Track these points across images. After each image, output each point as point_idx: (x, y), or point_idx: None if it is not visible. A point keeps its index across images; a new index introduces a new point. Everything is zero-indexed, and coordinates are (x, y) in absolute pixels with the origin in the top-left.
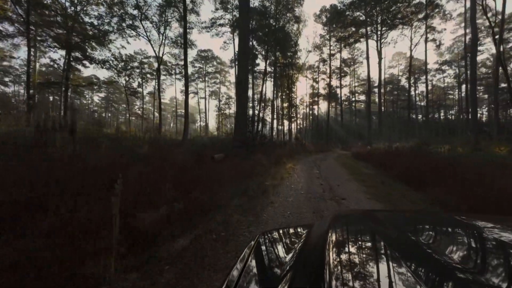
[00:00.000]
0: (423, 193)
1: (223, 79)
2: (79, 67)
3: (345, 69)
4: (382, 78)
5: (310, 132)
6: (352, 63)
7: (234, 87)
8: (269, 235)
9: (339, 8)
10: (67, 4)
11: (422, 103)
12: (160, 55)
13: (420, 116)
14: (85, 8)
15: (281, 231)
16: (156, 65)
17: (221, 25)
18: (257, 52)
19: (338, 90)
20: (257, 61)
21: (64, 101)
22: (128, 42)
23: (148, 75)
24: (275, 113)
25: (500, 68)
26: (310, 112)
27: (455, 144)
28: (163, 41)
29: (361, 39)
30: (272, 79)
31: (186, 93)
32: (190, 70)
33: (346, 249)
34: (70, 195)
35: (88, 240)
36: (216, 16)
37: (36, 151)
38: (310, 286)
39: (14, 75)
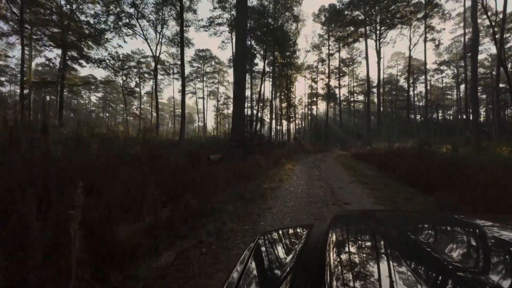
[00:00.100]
0: (431, 197)
1: (222, 79)
2: (76, 66)
3: (343, 69)
4: (381, 78)
5: (308, 132)
6: (350, 63)
7: (232, 87)
8: (269, 236)
9: (338, 7)
10: (62, 2)
11: (420, 103)
12: (157, 54)
13: (418, 116)
14: (80, 7)
15: (281, 232)
16: (154, 64)
17: (219, 24)
18: (255, 52)
19: (336, 90)
20: (256, 60)
21: (60, 101)
22: (124, 41)
23: (146, 75)
24: (274, 113)
25: (501, 68)
26: (309, 112)
27: (456, 145)
28: (160, 40)
29: (360, 39)
30: (271, 79)
31: (183, 92)
32: (188, 70)
33: (347, 249)
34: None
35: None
36: (214, 15)
37: None
38: (311, 287)
39: (11, 74)
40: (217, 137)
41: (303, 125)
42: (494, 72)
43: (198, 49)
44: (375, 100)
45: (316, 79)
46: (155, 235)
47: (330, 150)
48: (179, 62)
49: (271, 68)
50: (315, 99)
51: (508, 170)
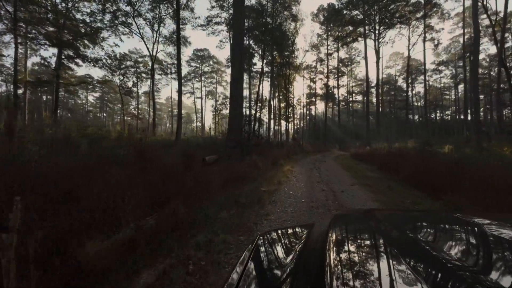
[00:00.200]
0: (439, 201)
1: (220, 78)
2: (72, 66)
3: (342, 69)
4: (380, 77)
5: (307, 133)
6: (349, 63)
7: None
8: (268, 236)
9: (337, 6)
10: (58, 0)
11: (418, 104)
12: (154, 53)
13: (416, 117)
14: (76, 5)
15: (280, 232)
16: (150, 64)
17: (217, 23)
18: (254, 51)
19: (335, 90)
20: (254, 60)
21: (55, 100)
22: (121, 40)
23: (143, 74)
24: (272, 113)
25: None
26: (307, 112)
27: (457, 145)
28: (157, 38)
29: (359, 38)
30: (269, 79)
31: (180, 91)
32: (186, 69)
33: (347, 249)
34: None
35: None
36: (212, 14)
37: None
38: (311, 287)
39: (6, 74)
40: (214, 137)
41: (302, 125)
42: (492, 73)
43: (196, 49)
44: (374, 100)
45: (314, 79)
46: (135, 249)
47: (329, 150)
48: (176, 62)
49: (270, 67)
50: (313, 99)
51: None
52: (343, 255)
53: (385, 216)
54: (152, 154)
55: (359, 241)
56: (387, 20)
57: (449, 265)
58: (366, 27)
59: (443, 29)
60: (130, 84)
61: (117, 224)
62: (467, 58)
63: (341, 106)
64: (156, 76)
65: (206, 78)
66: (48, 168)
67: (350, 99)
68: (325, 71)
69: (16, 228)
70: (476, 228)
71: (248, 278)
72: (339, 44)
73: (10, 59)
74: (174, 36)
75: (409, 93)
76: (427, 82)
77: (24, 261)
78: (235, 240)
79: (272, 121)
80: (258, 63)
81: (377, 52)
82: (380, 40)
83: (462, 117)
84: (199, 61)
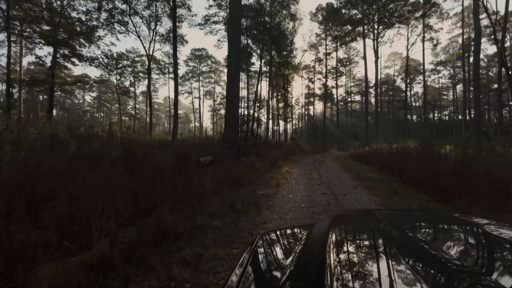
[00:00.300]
0: (450, 206)
1: (218, 78)
2: (68, 65)
3: (341, 69)
4: (379, 77)
5: (305, 133)
6: (348, 63)
7: None
8: (268, 237)
9: (335, 6)
10: None
11: (417, 104)
12: (151, 52)
13: (414, 117)
14: (72, 3)
15: (279, 233)
16: (148, 63)
17: (215, 22)
18: (252, 51)
19: (333, 90)
20: (252, 60)
21: (50, 100)
22: (117, 39)
23: (141, 74)
24: (271, 113)
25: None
26: (306, 112)
27: (457, 145)
28: (154, 37)
29: (358, 38)
30: (268, 79)
31: (176, 90)
32: (184, 69)
33: (347, 250)
34: None
35: None
36: (210, 13)
37: None
38: None
39: (2, 73)
40: (211, 137)
41: (300, 125)
42: (490, 73)
43: (194, 48)
44: (372, 100)
45: (313, 79)
46: (107, 270)
47: (328, 151)
48: (173, 60)
49: (268, 67)
50: (312, 99)
51: None
52: (343, 256)
53: (385, 216)
54: (144, 155)
55: (359, 242)
56: (386, 20)
57: (451, 266)
58: (365, 27)
59: (441, 29)
60: (127, 83)
61: (89, 239)
62: (466, 58)
63: (340, 106)
64: (154, 76)
65: (204, 78)
66: (17, 173)
67: (349, 99)
68: (324, 71)
69: None
70: (476, 228)
71: (248, 281)
72: (338, 44)
73: (5, 58)
74: (171, 35)
75: (408, 93)
76: (425, 82)
77: None
78: (227, 255)
79: (270, 121)
80: (256, 63)
81: (376, 52)
82: (379, 39)
83: (460, 117)
84: (197, 60)
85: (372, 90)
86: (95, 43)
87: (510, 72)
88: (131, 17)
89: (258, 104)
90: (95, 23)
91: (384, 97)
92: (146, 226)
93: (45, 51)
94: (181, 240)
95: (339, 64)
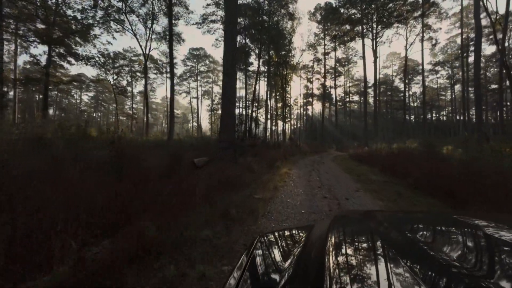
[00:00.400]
0: (461, 212)
1: (216, 78)
2: (64, 64)
3: (339, 69)
4: (377, 77)
5: (304, 133)
6: (346, 63)
7: None
8: (266, 238)
9: (334, 5)
10: None
11: (415, 104)
12: (147, 51)
13: (412, 117)
14: (67, 1)
15: (278, 234)
16: (144, 62)
17: (213, 21)
18: (250, 50)
19: (332, 90)
20: (251, 59)
21: (44, 99)
22: (114, 38)
23: (138, 74)
24: (269, 113)
25: (503, 68)
26: (304, 112)
27: (457, 145)
28: (150, 35)
29: (357, 38)
30: (266, 79)
31: (172, 89)
32: (182, 69)
33: (347, 253)
34: None
35: None
36: (208, 12)
37: None
38: None
39: None
40: (208, 138)
41: (299, 125)
42: (488, 73)
43: (192, 48)
44: (371, 100)
45: (311, 79)
46: None
47: (326, 151)
48: (169, 59)
49: (266, 67)
50: (310, 99)
51: None
52: (343, 260)
53: (385, 218)
54: (134, 155)
55: (359, 244)
56: (384, 19)
57: (449, 268)
58: (364, 26)
59: (440, 28)
60: (124, 83)
61: (48, 258)
62: (465, 58)
63: (338, 106)
64: (151, 76)
65: (202, 78)
66: None
67: (347, 99)
68: (322, 71)
69: None
70: (475, 230)
71: (246, 283)
72: (336, 44)
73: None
74: (167, 33)
75: (406, 93)
76: (424, 82)
77: None
78: (217, 274)
79: (268, 121)
80: (254, 62)
81: (375, 52)
82: (377, 39)
83: (458, 117)
84: (195, 60)
85: (370, 90)
86: (91, 41)
87: (511, 72)
88: (127, 15)
89: (256, 104)
90: (90, 21)
91: (382, 97)
92: (124, 240)
93: (40, 50)
94: (164, 255)
95: (337, 64)
